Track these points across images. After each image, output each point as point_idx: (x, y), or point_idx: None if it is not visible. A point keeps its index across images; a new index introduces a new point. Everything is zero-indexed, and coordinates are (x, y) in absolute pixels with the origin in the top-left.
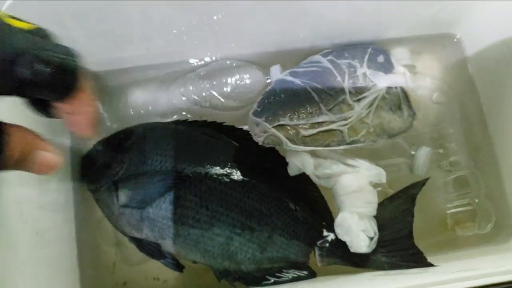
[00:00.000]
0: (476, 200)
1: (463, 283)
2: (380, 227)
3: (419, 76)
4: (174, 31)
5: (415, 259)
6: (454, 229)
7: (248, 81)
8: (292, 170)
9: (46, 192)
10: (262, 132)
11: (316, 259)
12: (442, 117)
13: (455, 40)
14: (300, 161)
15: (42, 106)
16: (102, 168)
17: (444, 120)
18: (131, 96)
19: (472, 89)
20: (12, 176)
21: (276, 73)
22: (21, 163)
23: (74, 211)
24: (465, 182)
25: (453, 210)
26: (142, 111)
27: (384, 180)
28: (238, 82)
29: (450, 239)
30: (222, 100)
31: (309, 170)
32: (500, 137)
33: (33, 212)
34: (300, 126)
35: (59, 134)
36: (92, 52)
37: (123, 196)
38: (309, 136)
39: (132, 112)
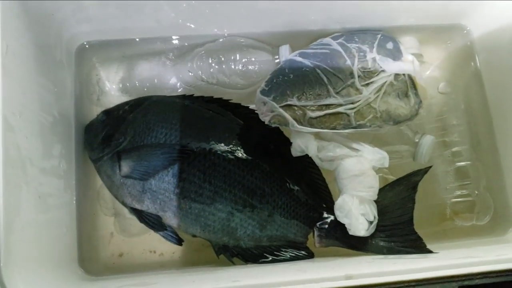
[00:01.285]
0: (476, 192)
1: (464, 269)
2: (381, 212)
3: (426, 66)
4: (184, 5)
5: (415, 245)
6: (453, 218)
7: (256, 64)
8: (295, 151)
9: (49, 157)
10: (269, 111)
11: (314, 240)
12: (447, 108)
13: (465, 31)
14: (304, 143)
15: None
16: (105, 138)
17: (449, 110)
18: (138, 68)
19: (478, 82)
20: (18, 137)
21: (286, 53)
22: None
23: (75, 179)
24: (466, 173)
25: (453, 200)
26: (148, 84)
27: (387, 165)
28: (246, 62)
29: (448, 228)
30: (229, 78)
31: (312, 152)
32: (504, 131)
33: (36, 175)
34: (308, 107)
35: (63, 101)
36: (102, 20)
37: (125, 166)
38: (316, 118)
39: (137, 84)
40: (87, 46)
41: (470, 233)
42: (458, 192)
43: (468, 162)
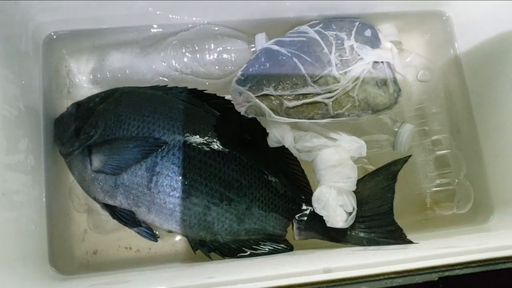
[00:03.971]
0: (456, 181)
1: (444, 259)
2: (360, 203)
3: (405, 53)
4: None
5: (395, 236)
6: (433, 208)
7: (232, 52)
8: (272, 142)
9: (14, 152)
10: (245, 101)
11: (294, 233)
12: (427, 96)
13: (444, 18)
14: (280, 133)
15: None
16: (76, 131)
17: (428, 98)
18: (109, 59)
19: (458, 69)
20: None
21: (262, 41)
22: None
23: (44, 174)
24: (446, 162)
25: (433, 189)
26: (119, 75)
27: (364, 154)
28: (221, 51)
29: (428, 218)
30: (204, 67)
31: (288, 143)
32: (483, 119)
33: None
34: (285, 97)
35: (30, 94)
36: (70, 9)
37: (96, 161)
38: (293, 107)
39: (109, 75)
40: (55, 36)
41: (450, 222)
42: (438, 181)
43: (448, 151)
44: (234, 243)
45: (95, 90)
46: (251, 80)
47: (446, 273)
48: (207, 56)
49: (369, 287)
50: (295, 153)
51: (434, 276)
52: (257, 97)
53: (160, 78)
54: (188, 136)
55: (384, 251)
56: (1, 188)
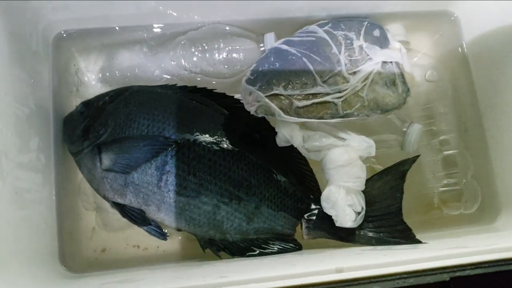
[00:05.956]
0: (464, 180)
1: (455, 260)
2: (369, 202)
3: (413, 53)
4: None
5: (404, 236)
6: (440, 208)
7: (241, 52)
8: (281, 141)
9: (26, 150)
10: (255, 101)
11: (302, 232)
12: (434, 96)
13: (452, 18)
14: (289, 132)
15: None
16: (85, 130)
17: (436, 98)
18: (118, 58)
19: (466, 69)
20: None
21: (271, 41)
22: None
23: (54, 173)
24: (454, 162)
25: (441, 189)
26: (128, 74)
27: (373, 153)
28: (230, 50)
29: (436, 217)
30: (213, 66)
31: (297, 142)
32: (491, 119)
33: (12, 170)
34: (294, 97)
35: (40, 92)
36: (80, 8)
37: (106, 159)
38: (302, 107)
39: (118, 74)
40: (64, 35)
41: (458, 222)
42: (446, 181)
43: (456, 151)
44: (243, 242)
45: (104, 89)
46: (261, 80)
47: (457, 273)
48: (216, 55)
49: (381, 287)
50: (304, 152)
51: (446, 276)
52: (267, 96)
53: (169, 77)
54: (197, 135)
55: (394, 251)
56: (14, 186)
